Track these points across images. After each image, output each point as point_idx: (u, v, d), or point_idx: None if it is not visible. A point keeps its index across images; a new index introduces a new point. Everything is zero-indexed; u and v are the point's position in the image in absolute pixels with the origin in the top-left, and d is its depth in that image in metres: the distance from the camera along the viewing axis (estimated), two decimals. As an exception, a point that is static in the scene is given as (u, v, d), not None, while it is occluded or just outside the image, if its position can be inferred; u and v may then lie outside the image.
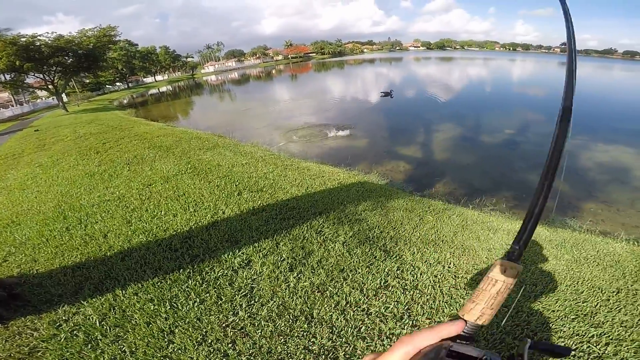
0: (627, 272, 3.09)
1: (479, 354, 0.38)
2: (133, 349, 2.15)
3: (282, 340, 2.22)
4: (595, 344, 2.14)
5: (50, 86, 28.25)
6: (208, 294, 2.67)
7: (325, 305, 2.53)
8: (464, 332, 0.45)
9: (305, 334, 2.27)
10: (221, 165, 6.50)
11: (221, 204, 4.53)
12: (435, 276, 2.88)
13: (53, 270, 3.14)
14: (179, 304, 2.55)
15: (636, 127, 14.11)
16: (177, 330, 2.29)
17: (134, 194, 5.12)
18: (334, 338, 2.23)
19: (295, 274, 2.92)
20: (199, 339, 2.22)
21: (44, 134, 13.61)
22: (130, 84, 74.80)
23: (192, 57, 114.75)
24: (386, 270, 2.95)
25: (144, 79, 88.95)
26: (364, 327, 2.31)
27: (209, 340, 2.21)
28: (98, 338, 2.25)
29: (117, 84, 70.61)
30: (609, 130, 13.60)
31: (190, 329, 2.31)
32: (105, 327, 2.34)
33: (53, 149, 9.72)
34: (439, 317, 2.41)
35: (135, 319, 2.41)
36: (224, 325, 2.35)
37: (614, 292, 2.74)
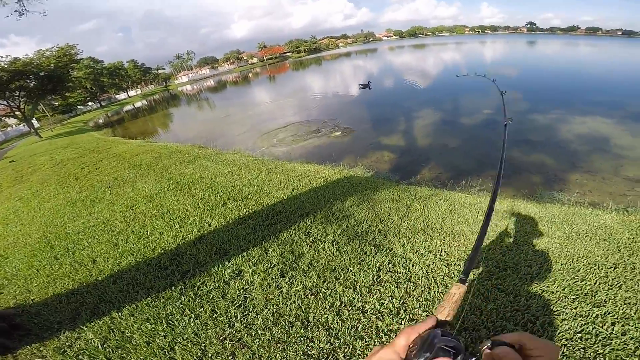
0: (622, 245, 3.07)
1: (456, 338, 0.55)
2: (137, 369, 2.15)
3: (281, 348, 2.19)
4: (601, 325, 2.11)
5: (17, 112, 27.16)
6: (202, 309, 2.64)
7: (320, 308, 2.51)
8: (439, 322, 0.65)
9: (302, 339, 2.25)
10: (204, 177, 6.40)
11: (207, 216, 4.46)
12: (428, 266, 2.87)
13: (48, 299, 3.13)
14: (175, 321, 2.54)
15: (607, 98, 14.40)
16: (177, 347, 2.29)
17: (118, 217, 5.04)
18: (332, 340, 2.20)
19: (287, 279, 2.89)
20: (199, 354, 2.22)
21: (20, 165, 13.21)
22: (102, 103, 72.85)
23: (164, 69, 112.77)
24: (378, 265, 2.93)
25: (117, 96, 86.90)
26: (360, 326, 2.29)
27: (209, 355, 2.20)
28: None
29: (89, 103, 68.77)
30: (584, 102, 13.83)
31: (189, 344, 2.30)
32: (107, 350, 2.36)
33: (31, 180, 9.45)
34: (436, 309, 2.37)
35: (135, 339, 2.42)
36: (221, 338, 2.33)
37: (611, 267, 2.72)
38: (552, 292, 2.43)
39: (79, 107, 63.80)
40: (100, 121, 39.18)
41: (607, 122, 10.49)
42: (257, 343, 2.24)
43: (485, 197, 4.87)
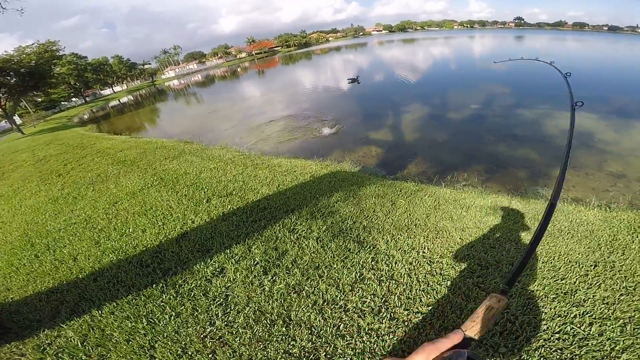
0: (602, 243, 3.09)
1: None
2: (117, 366, 2.14)
3: (262, 346, 2.18)
4: (578, 325, 2.11)
5: (-2, 109, 26.67)
6: (183, 307, 2.63)
7: (303, 306, 2.49)
8: (465, 339, 0.59)
9: (284, 337, 2.23)
10: (188, 172, 6.32)
11: (190, 213, 4.40)
12: (411, 264, 2.86)
13: (28, 297, 3.10)
14: (155, 319, 2.53)
15: (592, 94, 14.56)
16: (157, 345, 2.29)
17: (100, 214, 4.97)
18: (313, 339, 2.19)
19: (269, 277, 2.87)
20: (179, 352, 2.20)
21: (0, 162, 12.91)
22: (87, 98, 71.76)
23: (150, 64, 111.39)
24: (361, 262, 2.91)
25: (102, 92, 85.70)
26: (342, 325, 2.27)
27: (189, 353, 2.19)
28: (82, 358, 2.27)
29: (74, 99, 67.74)
30: (569, 98, 13.95)
31: (169, 342, 2.29)
32: (87, 348, 2.34)
33: (12, 177, 9.22)
34: (417, 307, 2.38)
35: (115, 337, 2.40)
36: (202, 336, 2.32)
37: (591, 265, 2.73)
38: (533, 291, 2.43)
39: (62, 103, 62.80)
40: (85, 117, 38.40)
41: (591, 118, 10.60)
42: (238, 341, 2.22)
43: (470, 193, 4.88)
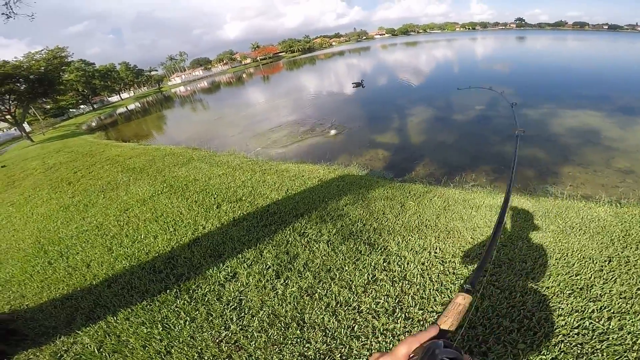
0: (615, 238, 3.05)
1: (459, 350, 0.56)
2: (135, 372, 2.15)
3: (277, 350, 2.19)
4: (597, 320, 2.09)
5: (8, 117, 26.79)
6: (198, 312, 2.64)
7: (316, 308, 2.50)
8: (441, 332, 0.67)
9: (299, 340, 2.24)
10: (197, 179, 6.38)
11: (201, 219, 4.45)
12: (423, 264, 2.87)
13: (43, 304, 3.12)
14: (170, 325, 2.54)
15: (597, 92, 14.45)
16: (173, 350, 2.30)
17: (111, 221, 5.03)
18: (328, 341, 2.20)
19: (282, 281, 2.89)
20: (195, 357, 2.21)
21: (11, 170, 13.09)
22: (95, 105, 72.41)
23: (156, 70, 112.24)
24: (373, 264, 2.93)
25: (109, 99, 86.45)
26: (357, 326, 2.29)
27: (206, 357, 2.20)
28: None
29: (82, 106, 68.35)
30: (574, 96, 13.86)
31: (185, 348, 2.30)
32: (104, 354, 2.35)
33: (23, 185, 9.36)
34: (431, 307, 2.38)
35: (131, 343, 2.41)
36: (217, 340, 2.33)
37: (605, 261, 2.71)
38: (548, 288, 2.43)
39: (71, 110, 63.36)
40: (93, 124, 38.82)
41: (597, 115, 10.54)
42: (254, 345, 2.23)
43: (479, 193, 4.86)
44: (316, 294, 2.66)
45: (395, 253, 3.06)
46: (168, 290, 2.97)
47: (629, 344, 1.91)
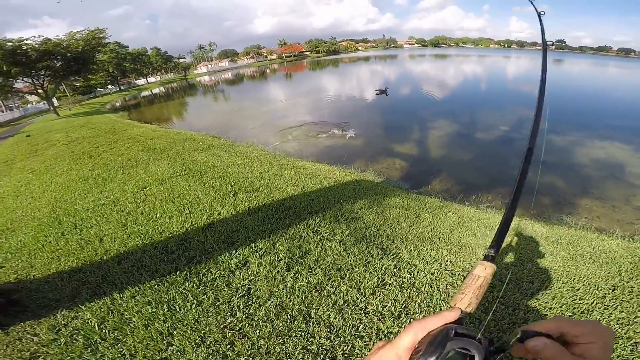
0: (623, 269, 3.08)
1: (476, 335, 0.46)
2: (132, 352, 2.16)
3: (281, 341, 2.21)
4: None
5: (40, 91, 27.58)
6: (205, 296, 2.66)
7: (323, 305, 2.53)
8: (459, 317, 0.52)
9: (303, 334, 2.27)
10: (216, 166, 6.47)
11: (217, 205, 4.51)
12: (432, 274, 2.88)
13: (50, 276, 3.12)
14: (176, 306, 2.55)
15: (632, 123, 14.13)
16: (175, 332, 2.29)
17: (128, 198, 5.10)
18: (332, 337, 2.22)
19: (292, 274, 2.92)
20: (197, 340, 2.22)
21: (35, 140, 13.45)
22: (122, 87, 73.92)
23: (185, 58, 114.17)
24: (383, 268, 2.94)
25: (136, 81, 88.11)
26: (361, 326, 2.31)
27: (208, 342, 2.21)
28: (97, 342, 2.26)
29: (109, 86, 69.90)
30: (605, 126, 13.52)
31: (188, 330, 2.31)
32: (104, 331, 2.34)
33: (45, 155, 9.61)
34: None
35: (134, 322, 2.41)
36: (222, 326, 2.35)
37: (610, 289, 2.73)
38: (550, 309, 2.45)
39: (99, 89, 64.73)
40: (118, 104, 39.61)
41: (625, 149, 10.31)
42: (258, 334, 2.26)
43: (493, 213, 4.84)
44: (325, 291, 2.68)
45: (406, 260, 3.08)
46: (178, 272, 2.98)
47: (617, 367, 1.93)
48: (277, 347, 2.16)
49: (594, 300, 2.57)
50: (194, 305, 2.55)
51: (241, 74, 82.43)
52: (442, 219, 4.18)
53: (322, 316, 2.42)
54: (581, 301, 2.55)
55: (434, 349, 0.44)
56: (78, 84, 53.09)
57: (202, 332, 2.30)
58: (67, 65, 27.76)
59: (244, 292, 2.71)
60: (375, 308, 2.47)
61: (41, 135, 14.87)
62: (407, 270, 2.92)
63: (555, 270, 3.01)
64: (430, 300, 2.55)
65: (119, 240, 3.74)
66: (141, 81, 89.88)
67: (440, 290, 2.67)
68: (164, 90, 56.13)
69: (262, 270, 2.98)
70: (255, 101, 26.99)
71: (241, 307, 2.52)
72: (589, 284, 2.80)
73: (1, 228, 4.50)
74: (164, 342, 2.22)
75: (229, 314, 2.46)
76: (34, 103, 44.52)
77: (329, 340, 2.20)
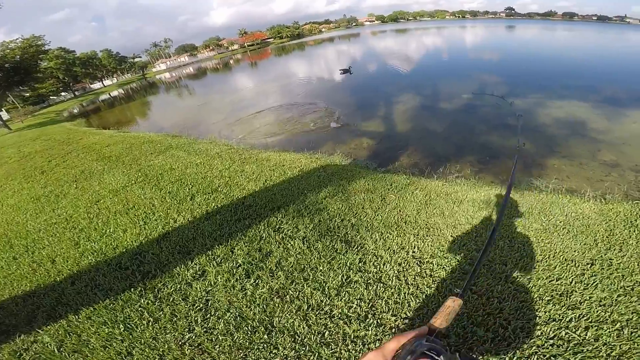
0: (599, 239, 2.94)
1: (442, 345, 0.64)
2: (94, 374, 2.04)
3: (242, 355, 2.07)
4: (574, 330, 1.98)
5: (-17, 106, 26.11)
6: (162, 312, 2.52)
7: (286, 312, 2.37)
8: (431, 330, 0.74)
9: (265, 345, 2.11)
10: (174, 168, 6.14)
11: (173, 212, 4.25)
12: (400, 264, 2.72)
13: (4, 301, 3.02)
14: (133, 325, 2.43)
15: (584, 83, 14.41)
16: (134, 351, 2.20)
17: (81, 214, 4.81)
18: (297, 347, 2.07)
19: (252, 280, 2.74)
20: (157, 359, 2.11)
21: (-15, 158, 12.57)
22: (76, 93, 70.90)
23: (140, 57, 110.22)
24: (348, 264, 2.78)
25: (92, 86, 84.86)
26: (327, 332, 2.15)
27: None
28: None
29: (63, 93, 67.01)
30: (561, 87, 13.72)
31: (147, 349, 2.20)
32: (64, 354, 2.27)
33: (-4, 175, 8.96)
34: (405, 313, 2.25)
35: (92, 343, 2.32)
36: (180, 343, 2.22)
37: (588, 264, 2.60)
38: (526, 293, 2.31)
39: (51, 97, 61.85)
40: (75, 111, 37.68)
41: (583, 106, 10.48)
42: (218, 349, 2.12)
43: (462, 185, 4.68)
44: (287, 296, 2.51)
45: (372, 252, 2.91)
46: (132, 289, 2.83)
47: (603, 356, 1.81)
48: (239, 362, 1.99)
49: (572, 280, 2.42)
50: (150, 323, 2.42)
51: (203, 67, 79.97)
52: (408, 199, 4.01)
53: (285, 324, 2.26)
54: (558, 282, 2.41)
55: (412, 349, 0.62)
56: (27, 94, 50.23)
57: (161, 350, 2.18)
58: (6, 76, 26.14)
59: (201, 305, 2.55)
60: (340, 310, 2.31)
61: (-9, 152, 13.92)
62: (373, 264, 2.75)
63: (528, 246, 2.88)
64: (399, 295, 2.39)
65: (71, 260, 3.55)
66: (97, 85, 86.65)
67: (409, 282, 2.51)
68: (123, 92, 53.76)
69: (219, 280, 2.80)
70: (219, 93, 26.23)
71: (199, 321, 2.37)
72: (565, 259, 2.66)
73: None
74: (124, 361, 2.11)
75: (187, 329, 2.32)
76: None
77: (293, 351, 2.05)
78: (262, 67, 48.67)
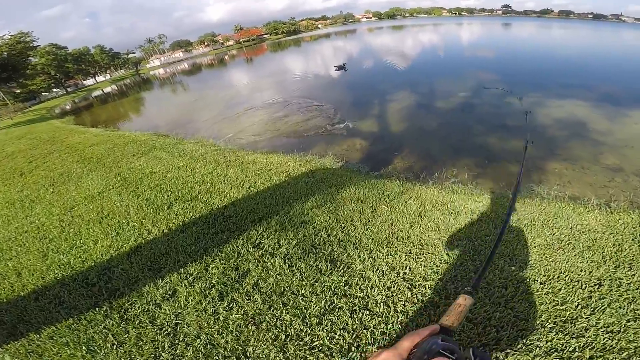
0: (607, 255, 2.66)
1: (456, 344, 0.65)
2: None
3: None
4: None
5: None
6: (127, 335, 2.32)
7: (262, 341, 2.12)
8: (442, 329, 0.75)
9: (237, 380, 1.85)
10: (154, 172, 5.83)
11: (148, 222, 3.97)
12: (389, 288, 2.45)
13: None
14: (96, 347, 2.27)
15: (583, 81, 14.14)
16: None
17: (54, 222, 4.55)
18: (271, 384, 1.80)
19: (226, 304, 2.49)
20: None
21: (-33, 158, 12.17)
22: (69, 89, 70.10)
23: (134, 53, 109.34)
24: (332, 287, 2.50)
25: (84, 82, 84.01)
26: (305, 368, 1.88)
27: None
28: None
29: (54, 90, 66.14)
30: (560, 86, 13.40)
31: None
32: None
33: (-26, 176, 8.61)
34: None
35: None
36: None
37: (595, 285, 2.33)
38: (527, 321, 2.06)
39: (43, 94, 61.02)
40: (68, 107, 37.01)
41: (583, 106, 10.22)
42: (184, 382, 1.86)
43: (460, 194, 4.27)
44: (264, 323, 2.26)
45: (359, 273, 2.63)
46: (98, 308, 2.64)
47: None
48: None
49: (577, 303, 2.17)
50: (115, 347, 2.26)
51: (198, 63, 79.11)
52: (401, 210, 3.68)
53: (260, 355, 2.02)
54: (563, 307, 2.16)
55: (427, 349, 0.63)
56: (18, 91, 49.43)
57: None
58: (-6, 73, 25.63)
59: (170, 329, 2.32)
60: (322, 342, 2.06)
61: (-25, 152, 13.51)
62: (360, 287, 2.47)
63: (531, 266, 2.60)
64: (386, 325, 2.13)
65: (37, 274, 3.34)
66: (90, 81, 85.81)
67: (398, 310, 2.24)
68: (116, 88, 52.81)
69: (191, 302, 2.55)
70: (214, 89, 25.73)
71: (166, 348, 2.16)
72: (570, 280, 2.41)
73: None
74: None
75: (152, 355, 2.13)
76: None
77: (267, 389, 1.78)
78: (257, 63, 48.14)
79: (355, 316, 2.21)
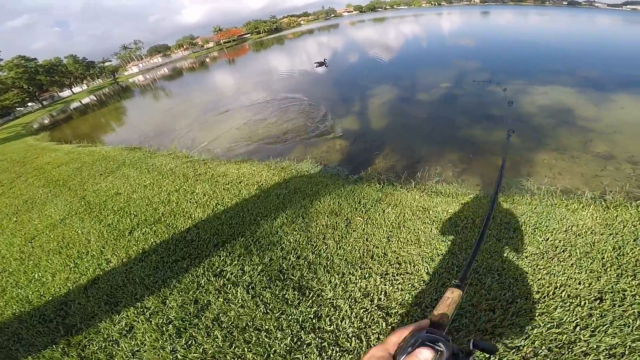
0: (608, 262, 2.39)
1: (443, 335, 0.66)
2: None
3: None
4: None
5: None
6: None
7: (222, 388, 1.86)
8: (432, 323, 0.77)
9: None
10: (120, 193, 5.52)
11: (108, 251, 3.71)
12: (361, 319, 2.21)
13: None
14: None
15: (565, 67, 14.02)
16: None
17: (14, 253, 4.30)
18: None
19: (183, 341, 2.27)
20: None
21: None
22: (44, 102, 68.29)
23: (110, 61, 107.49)
24: (300, 320, 2.27)
25: (60, 94, 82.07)
26: None
27: None
28: None
29: (29, 104, 64.36)
30: (542, 72, 13.25)
31: None
32: None
33: None
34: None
35: None
36: None
37: (595, 300, 2.08)
38: (519, 350, 1.83)
39: (18, 109, 59.46)
40: (46, 121, 36.00)
41: (568, 92, 10.07)
42: None
43: (443, 198, 3.89)
44: (224, 366, 2.00)
45: (329, 302, 2.39)
46: (55, 345, 2.52)
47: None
48: None
49: (576, 324, 1.93)
50: None
51: (179, 67, 77.87)
52: (378, 222, 3.40)
53: None
54: (559, 330, 1.91)
55: (413, 342, 0.64)
56: (-10, 108, 48.08)
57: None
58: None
59: None
60: (286, 389, 1.80)
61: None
62: (330, 319, 2.23)
63: (523, 282, 2.33)
64: (358, 363, 1.88)
65: None
66: (66, 93, 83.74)
67: (371, 344, 2.00)
68: (94, 99, 51.74)
69: (147, 339, 2.34)
70: (195, 92, 25.23)
71: None
72: (568, 296, 2.15)
73: None
74: None
75: None
76: None
77: None
78: (239, 64, 47.56)
79: (324, 354, 1.98)
